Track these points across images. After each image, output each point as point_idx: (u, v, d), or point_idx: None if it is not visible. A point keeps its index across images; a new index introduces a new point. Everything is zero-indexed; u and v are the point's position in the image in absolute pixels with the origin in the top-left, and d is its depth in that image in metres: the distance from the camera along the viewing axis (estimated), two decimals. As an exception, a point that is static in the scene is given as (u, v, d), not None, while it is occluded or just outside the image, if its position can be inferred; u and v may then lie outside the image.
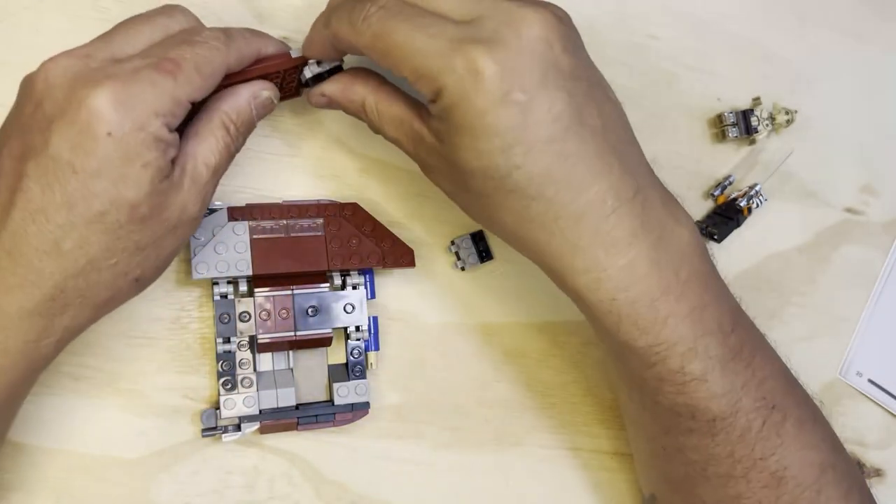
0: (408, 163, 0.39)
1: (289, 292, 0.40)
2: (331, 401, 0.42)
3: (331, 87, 0.38)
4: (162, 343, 0.41)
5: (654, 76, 0.49)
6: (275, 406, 0.41)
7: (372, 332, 0.43)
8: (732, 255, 0.50)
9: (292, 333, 0.40)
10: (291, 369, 0.42)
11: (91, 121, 0.30)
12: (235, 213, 0.40)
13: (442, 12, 0.33)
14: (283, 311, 0.40)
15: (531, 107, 0.31)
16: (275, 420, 0.41)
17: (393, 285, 0.44)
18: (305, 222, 0.41)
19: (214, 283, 0.40)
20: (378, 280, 0.44)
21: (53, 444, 0.39)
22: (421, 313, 0.45)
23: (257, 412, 0.40)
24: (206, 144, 0.34)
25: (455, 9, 0.33)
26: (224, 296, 0.40)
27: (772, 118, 0.50)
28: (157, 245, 0.33)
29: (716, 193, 0.50)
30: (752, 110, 0.50)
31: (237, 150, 0.36)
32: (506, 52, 0.31)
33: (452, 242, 0.45)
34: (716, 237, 0.48)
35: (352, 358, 0.43)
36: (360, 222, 0.42)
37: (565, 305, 0.37)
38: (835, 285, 0.52)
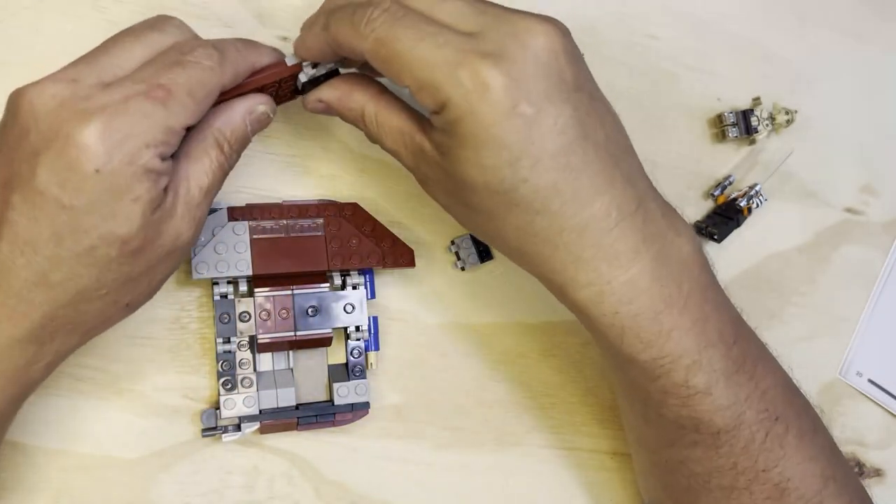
0: (408, 163, 0.39)
1: (289, 292, 0.40)
2: (331, 401, 0.42)
3: (328, 94, 0.37)
4: (162, 343, 0.41)
5: (654, 76, 0.49)
6: (275, 406, 0.41)
7: (372, 332, 0.43)
8: (732, 255, 0.50)
9: (292, 333, 0.40)
10: (291, 369, 0.42)
11: (79, 157, 0.29)
12: (235, 213, 0.40)
13: (446, 22, 0.32)
14: (283, 311, 0.40)
15: (538, 119, 0.31)
16: (275, 420, 0.41)
17: (393, 285, 0.44)
18: (305, 222, 0.41)
19: (214, 283, 0.40)
20: (378, 280, 0.44)
21: (53, 444, 0.39)
22: (421, 313, 0.45)
23: (257, 412, 0.40)
24: (199, 165, 0.33)
25: (459, 19, 0.32)
26: (224, 296, 0.40)
27: (772, 118, 0.50)
28: (150, 273, 0.33)
29: (716, 193, 0.50)
30: (752, 110, 0.50)
31: (231, 167, 0.35)
32: (512, 65, 0.31)
33: (452, 242, 0.45)
34: (716, 237, 0.48)
35: (352, 358, 0.43)
36: (359, 222, 0.42)
37: (564, 306, 0.37)
38: (835, 285, 0.52)
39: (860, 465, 0.52)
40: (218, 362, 0.40)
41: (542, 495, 0.46)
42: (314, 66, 0.37)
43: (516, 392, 0.46)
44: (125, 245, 0.30)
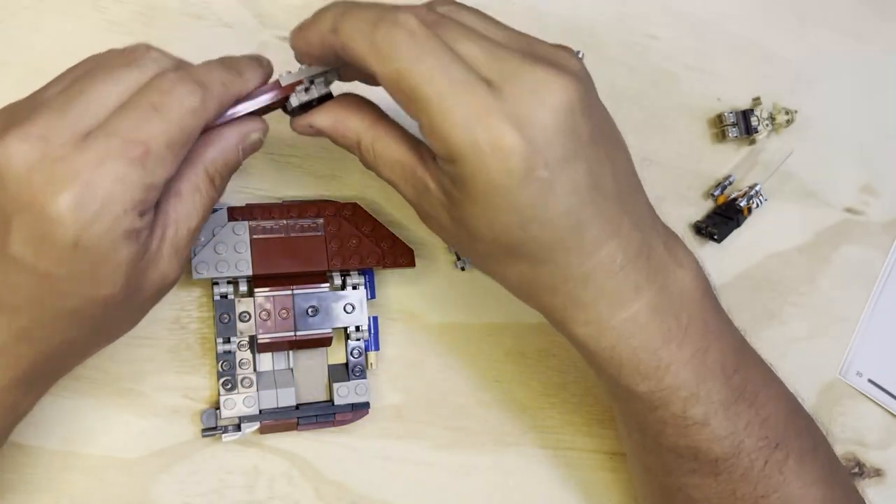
0: (408, 163, 0.39)
1: (289, 292, 0.40)
2: (331, 401, 0.42)
3: (321, 120, 0.34)
4: (162, 343, 0.41)
5: (654, 76, 0.49)
6: (275, 406, 0.41)
7: (372, 332, 0.43)
8: (732, 255, 0.50)
9: (292, 333, 0.40)
10: (291, 369, 0.42)
11: (54, 231, 0.27)
12: (235, 213, 0.40)
13: (469, 59, 0.30)
14: (283, 311, 0.40)
15: (552, 184, 0.30)
16: (275, 420, 0.41)
17: (393, 285, 0.44)
18: (305, 222, 0.41)
19: (214, 283, 0.40)
20: (378, 280, 0.44)
21: (53, 445, 0.39)
22: (421, 313, 0.45)
23: (257, 412, 0.40)
24: (189, 204, 0.31)
25: (483, 61, 0.30)
26: (224, 296, 0.40)
27: (772, 118, 0.50)
28: (136, 313, 0.33)
29: (716, 193, 0.50)
30: (752, 110, 0.50)
31: (220, 196, 0.33)
32: (531, 129, 0.29)
33: (452, 242, 0.45)
34: (716, 237, 0.48)
35: (352, 358, 0.43)
36: (359, 222, 0.42)
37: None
38: (835, 285, 0.52)
39: (860, 465, 0.52)
40: (218, 362, 0.40)
41: (542, 495, 0.46)
42: (306, 89, 0.34)
43: (516, 392, 0.46)
44: (108, 302, 0.29)
